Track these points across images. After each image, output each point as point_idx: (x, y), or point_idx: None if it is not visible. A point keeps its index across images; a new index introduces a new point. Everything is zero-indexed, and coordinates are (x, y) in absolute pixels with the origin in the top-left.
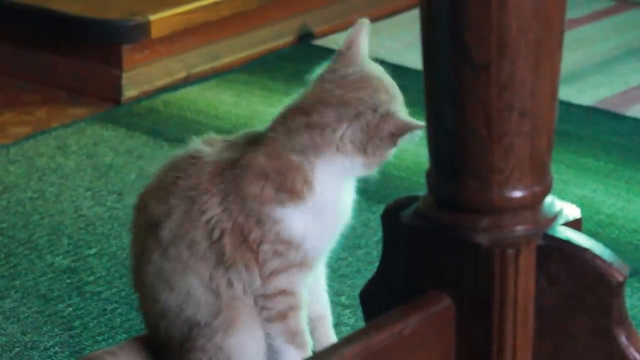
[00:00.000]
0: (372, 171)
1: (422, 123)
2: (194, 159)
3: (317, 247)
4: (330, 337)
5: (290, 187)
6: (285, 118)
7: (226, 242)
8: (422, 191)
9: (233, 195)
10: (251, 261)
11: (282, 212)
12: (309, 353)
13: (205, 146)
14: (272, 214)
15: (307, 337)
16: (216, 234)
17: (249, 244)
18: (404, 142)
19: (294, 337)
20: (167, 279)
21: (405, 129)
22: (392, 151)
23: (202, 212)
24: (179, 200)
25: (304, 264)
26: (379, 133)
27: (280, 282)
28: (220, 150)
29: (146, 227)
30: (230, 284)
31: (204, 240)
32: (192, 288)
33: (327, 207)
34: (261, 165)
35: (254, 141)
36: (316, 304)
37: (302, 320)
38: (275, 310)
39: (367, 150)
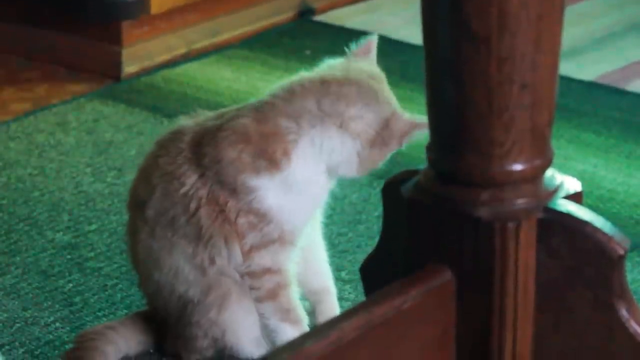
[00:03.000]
0: (359, 173)
1: (425, 121)
2: (175, 134)
3: (292, 222)
4: (335, 309)
5: (270, 155)
6: (293, 85)
7: (202, 214)
8: (422, 165)
9: (209, 159)
10: (230, 235)
11: (256, 181)
12: (305, 328)
13: (189, 120)
14: (247, 182)
15: (302, 313)
16: (193, 206)
17: (226, 216)
18: (407, 142)
19: (287, 315)
20: (156, 258)
21: (413, 127)
22: (387, 157)
23: (180, 185)
24: (159, 178)
25: (283, 240)
26: (389, 129)
27: (262, 259)
28: (204, 120)
29: (135, 207)
30: (212, 260)
31: (182, 215)
32: (179, 266)
33: (299, 185)
34: (246, 127)
35: (245, 107)
36: (318, 276)
37: (294, 296)
38: (264, 290)
39: (373, 142)
